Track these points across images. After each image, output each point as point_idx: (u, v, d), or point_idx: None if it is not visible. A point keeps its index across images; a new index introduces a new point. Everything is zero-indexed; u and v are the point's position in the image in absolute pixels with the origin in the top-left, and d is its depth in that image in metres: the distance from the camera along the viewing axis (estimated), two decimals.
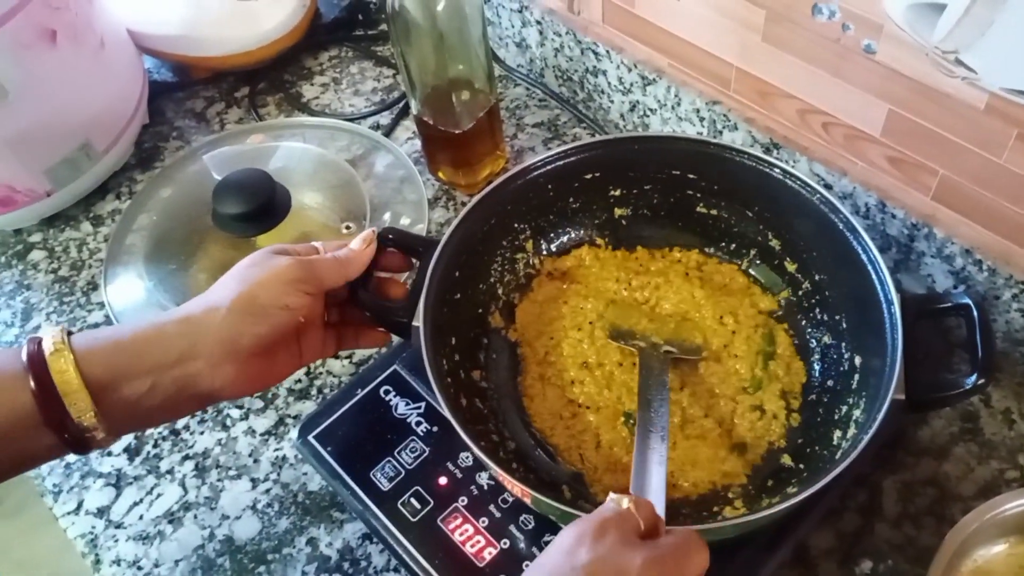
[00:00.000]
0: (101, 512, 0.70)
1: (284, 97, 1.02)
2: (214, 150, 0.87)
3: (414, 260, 0.67)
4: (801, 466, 0.62)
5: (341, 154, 0.89)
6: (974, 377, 0.54)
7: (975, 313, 0.56)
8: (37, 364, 0.50)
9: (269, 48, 1.00)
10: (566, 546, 0.45)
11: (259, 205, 0.76)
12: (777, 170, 0.66)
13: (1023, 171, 0.59)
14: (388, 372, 0.70)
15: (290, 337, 0.59)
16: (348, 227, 0.81)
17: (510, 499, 0.62)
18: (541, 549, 0.60)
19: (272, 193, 0.77)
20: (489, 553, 0.60)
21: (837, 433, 0.61)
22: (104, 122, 0.90)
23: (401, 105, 0.98)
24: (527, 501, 0.57)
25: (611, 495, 0.48)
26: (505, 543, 0.61)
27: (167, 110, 1.02)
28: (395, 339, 0.76)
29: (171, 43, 0.98)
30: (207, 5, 0.96)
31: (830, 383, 0.65)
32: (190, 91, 1.04)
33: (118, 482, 0.72)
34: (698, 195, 0.72)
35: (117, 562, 0.68)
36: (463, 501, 0.63)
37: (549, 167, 0.70)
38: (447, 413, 0.56)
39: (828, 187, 0.72)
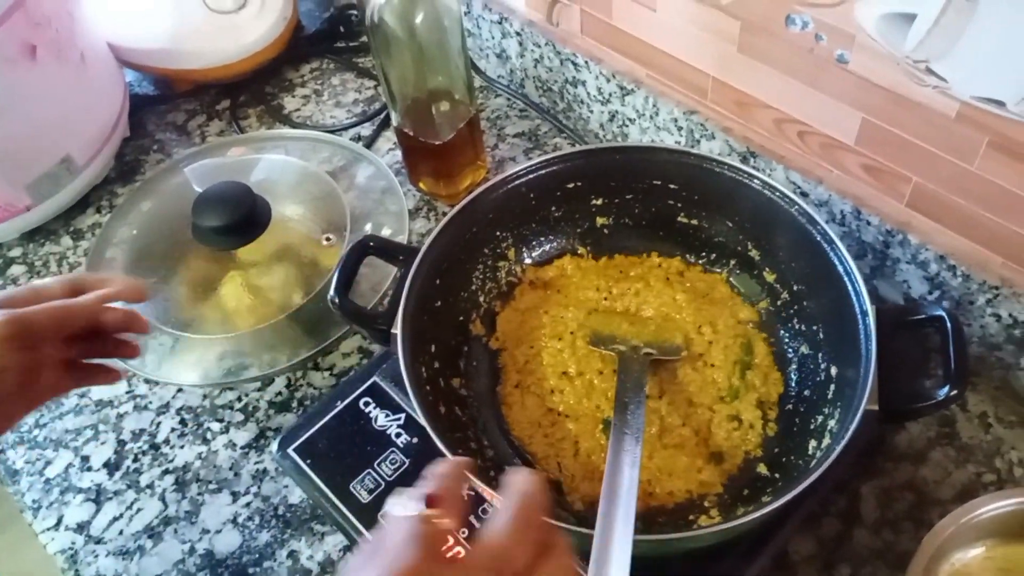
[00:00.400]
0: (81, 527, 0.70)
1: (265, 109, 1.02)
2: (195, 162, 0.87)
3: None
4: (776, 475, 0.62)
5: (322, 166, 0.89)
6: (946, 389, 0.54)
7: (948, 324, 0.56)
8: None
9: (250, 60, 1.00)
10: None
11: (239, 218, 0.76)
12: (756, 181, 0.66)
13: (995, 178, 0.60)
14: (368, 384, 0.70)
15: (14, 388, 0.56)
16: (328, 238, 0.81)
17: (491, 509, 0.62)
18: None
19: (252, 206, 0.77)
20: None
21: (812, 443, 0.62)
22: (85, 136, 0.90)
23: (382, 116, 0.98)
24: None
25: (391, 500, 0.42)
26: None
27: (148, 123, 1.02)
28: (376, 350, 0.77)
29: (152, 56, 0.99)
30: (188, 18, 0.96)
31: (806, 393, 0.66)
32: (171, 104, 1.04)
33: (98, 497, 0.72)
34: (679, 205, 0.73)
35: None
36: None
37: (531, 176, 0.70)
38: (423, 421, 0.56)
39: (804, 195, 0.72)
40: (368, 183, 0.88)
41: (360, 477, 0.65)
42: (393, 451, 0.66)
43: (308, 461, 0.66)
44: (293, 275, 0.79)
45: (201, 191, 0.78)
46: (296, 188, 0.86)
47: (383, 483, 0.64)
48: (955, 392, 0.53)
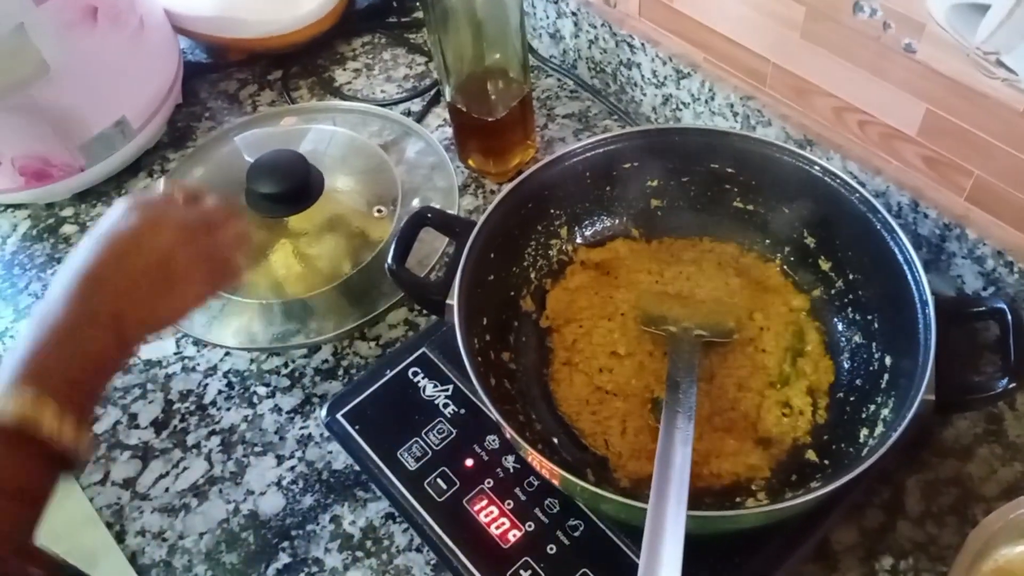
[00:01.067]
0: (127, 484, 0.71)
1: (317, 81, 1.02)
2: (246, 131, 0.87)
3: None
4: (826, 462, 0.62)
5: (373, 139, 0.89)
6: (1005, 380, 0.54)
7: (1009, 317, 0.56)
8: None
9: (303, 32, 1.01)
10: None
11: (293, 186, 0.77)
12: (817, 168, 0.66)
13: None
14: (417, 354, 0.70)
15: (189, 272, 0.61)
16: (380, 210, 0.82)
17: (536, 482, 0.63)
18: (566, 533, 0.61)
19: (307, 174, 0.78)
20: (514, 535, 0.61)
21: (864, 431, 0.62)
22: (139, 100, 0.91)
23: (432, 92, 0.98)
24: (555, 482, 0.58)
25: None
26: (530, 526, 0.61)
27: (200, 91, 1.03)
28: (421, 323, 0.78)
29: (207, 24, 0.99)
30: None
31: (858, 382, 0.66)
32: (224, 73, 1.05)
33: (144, 455, 0.73)
34: (735, 189, 0.72)
35: (142, 533, 0.68)
36: (489, 483, 0.63)
37: (588, 155, 0.70)
38: (479, 389, 0.57)
39: (862, 185, 0.72)
40: (418, 158, 0.88)
41: (408, 445, 0.65)
42: (440, 421, 0.67)
43: (356, 427, 0.67)
44: (343, 246, 0.79)
45: (254, 159, 0.79)
46: (347, 160, 0.86)
47: (430, 452, 0.65)
48: (1014, 385, 0.53)
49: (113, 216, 0.57)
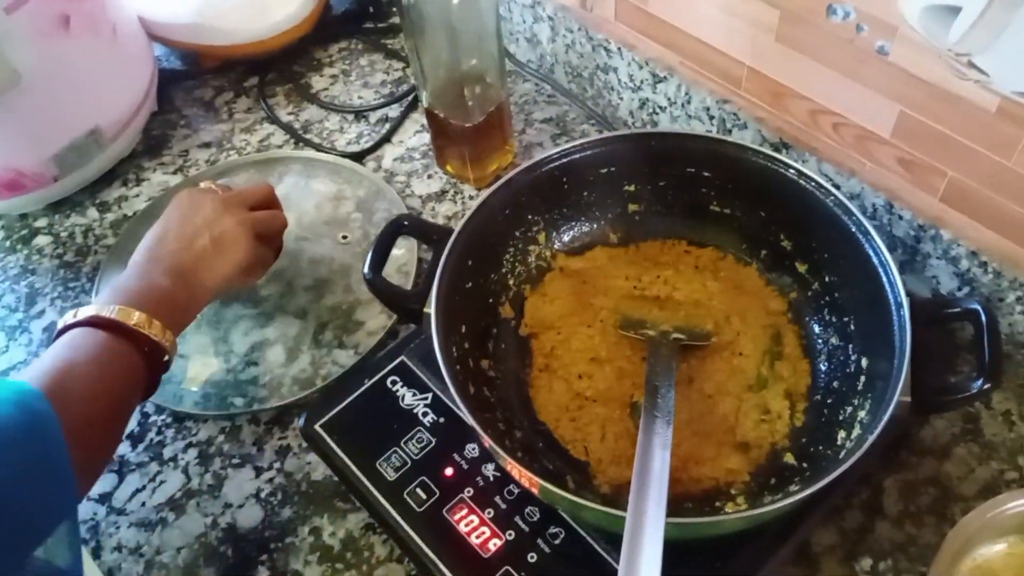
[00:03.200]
0: (103, 499, 0.70)
1: (293, 88, 1.02)
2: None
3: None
4: (804, 465, 0.63)
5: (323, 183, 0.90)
6: (980, 381, 0.54)
7: (983, 318, 0.56)
8: (134, 333, 0.60)
9: (279, 38, 1.00)
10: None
11: None
12: (792, 171, 0.66)
13: None
14: (395, 363, 0.70)
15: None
16: (344, 237, 0.84)
17: (516, 491, 0.63)
18: (546, 541, 0.60)
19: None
20: (494, 544, 0.60)
21: (841, 433, 0.62)
22: (113, 109, 0.90)
23: (410, 98, 0.98)
24: (534, 491, 0.57)
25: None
26: (511, 534, 0.61)
27: (176, 98, 1.03)
28: (401, 331, 0.77)
29: (182, 31, 0.99)
30: None
31: (835, 384, 0.66)
32: (199, 80, 1.04)
33: (120, 469, 0.72)
34: (712, 193, 0.73)
35: (118, 549, 0.68)
36: (469, 492, 0.63)
37: (565, 160, 0.70)
38: (457, 398, 0.56)
39: (836, 187, 0.72)
40: (368, 194, 0.88)
41: (386, 455, 0.65)
42: (419, 430, 0.66)
43: (335, 437, 0.66)
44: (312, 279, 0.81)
45: None
46: (303, 200, 0.87)
47: (409, 461, 0.65)
48: (989, 385, 0.53)
49: (173, 202, 0.72)
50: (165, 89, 1.01)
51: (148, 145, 0.97)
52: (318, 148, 0.94)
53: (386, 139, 0.94)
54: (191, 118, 1.00)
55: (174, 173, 0.94)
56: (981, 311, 0.56)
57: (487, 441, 0.56)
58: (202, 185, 0.76)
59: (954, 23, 0.58)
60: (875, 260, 0.61)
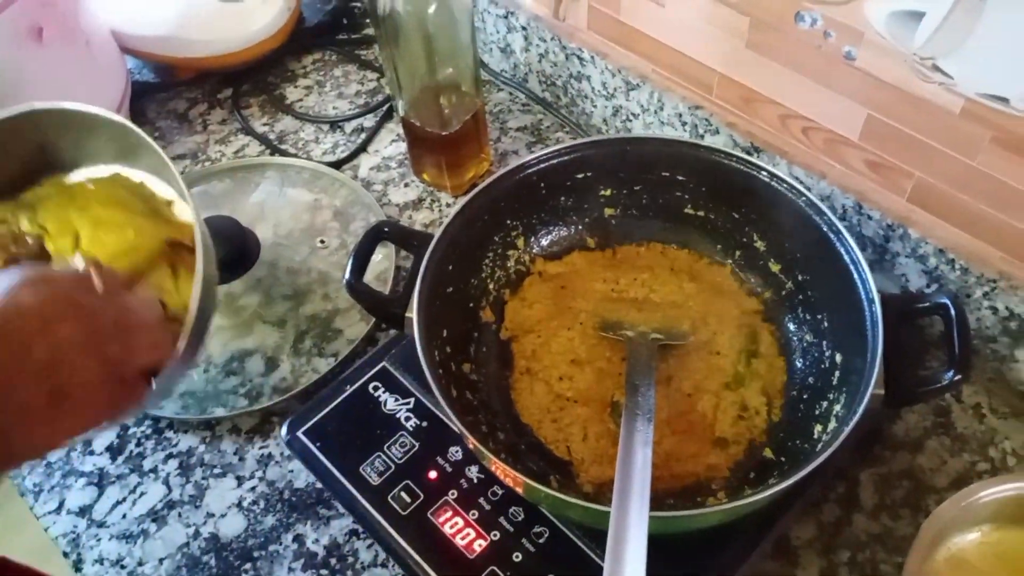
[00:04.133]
0: (83, 511, 0.70)
1: (268, 99, 1.02)
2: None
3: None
4: (783, 459, 0.64)
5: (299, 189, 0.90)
6: (951, 373, 0.56)
7: (953, 312, 0.58)
8: None
9: (253, 50, 1.00)
10: None
11: (228, 254, 0.78)
12: (764, 173, 0.68)
13: (997, 173, 0.62)
14: (377, 368, 0.70)
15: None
16: (322, 241, 0.84)
17: (500, 492, 0.63)
18: (531, 540, 0.61)
19: (243, 240, 0.80)
20: (479, 545, 0.61)
21: (817, 428, 0.63)
22: None
23: (385, 108, 0.98)
24: (519, 490, 0.58)
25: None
26: (495, 535, 0.61)
27: (149, 111, 1.02)
28: (381, 337, 0.78)
29: (155, 44, 0.98)
30: (192, 6, 0.96)
31: (811, 380, 0.67)
32: (172, 92, 1.04)
33: (100, 481, 0.71)
34: (686, 197, 0.74)
35: (100, 561, 0.67)
36: (453, 495, 0.63)
37: (542, 166, 0.71)
38: (441, 401, 0.57)
39: (807, 189, 0.74)
40: (344, 203, 0.88)
41: (370, 460, 0.65)
42: (403, 435, 0.67)
43: (318, 444, 0.66)
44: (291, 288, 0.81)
45: None
46: (281, 208, 0.87)
47: (393, 466, 0.65)
48: (959, 377, 0.55)
49: None
50: (138, 101, 1.01)
51: None
52: (295, 158, 0.94)
53: (362, 148, 0.95)
54: (165, 130, 1.00)
55: None
56: (950, 305, 0.58)
57: (472, 443, 0.56)
58: (78, 265, 0.50)
59: (919, 28, 0.60)
60: (846, 258, 0.62)
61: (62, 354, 0.43)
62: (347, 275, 0.64)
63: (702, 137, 0.81)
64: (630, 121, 0.88)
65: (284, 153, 0.95)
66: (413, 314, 0.61)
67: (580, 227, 0.77)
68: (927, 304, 0.60)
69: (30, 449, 0.45)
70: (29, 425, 0.43)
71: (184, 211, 0.65)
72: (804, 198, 0.65)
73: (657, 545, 0.50)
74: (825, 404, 0.63)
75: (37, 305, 0.43)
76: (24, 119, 0.62)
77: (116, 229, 0.61)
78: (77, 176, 0.66)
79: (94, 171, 0.66)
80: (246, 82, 1.03)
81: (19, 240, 0.62)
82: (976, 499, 0.58)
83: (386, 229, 0.66)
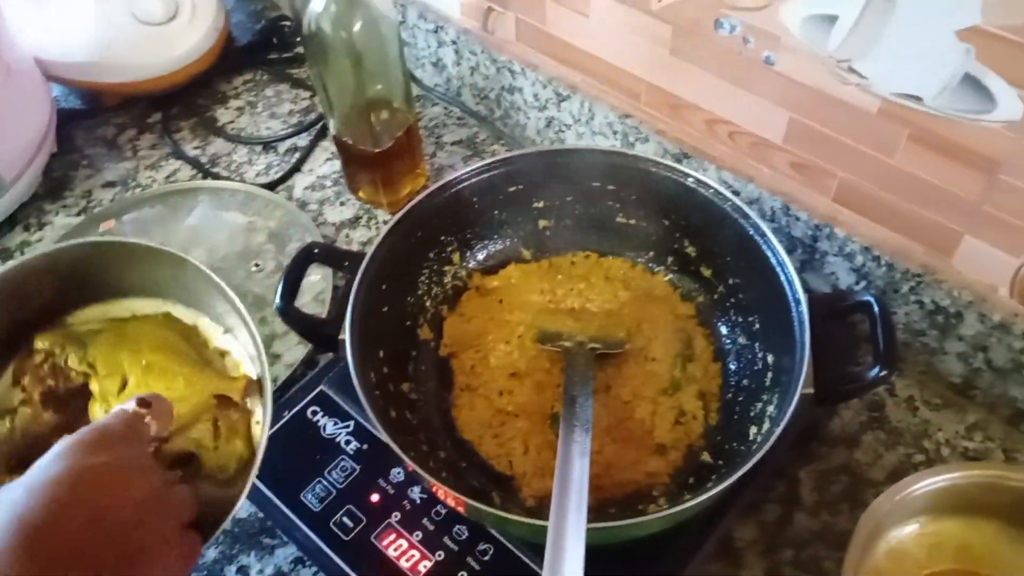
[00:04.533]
0: None
1: (199, 121, 1.01)
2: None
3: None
4: (720, 462, 0.64)
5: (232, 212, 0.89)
6: (876, 369, 0.57)
7: (876, 309, 0.59)
8: None
9: (181, 73, 0.99)
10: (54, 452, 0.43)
11: None
12: (690, 179, 0.68)
13: (915, 170, 0.63)
14: (314, 393, 0.69)
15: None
16: (257, 264, 0.83)
17: (443, 511, 0.63)
18: (476, 558, 0.61)
19: None
20: (424, 566, 0.60)
21: (753, 429, 0.64)
22: (11, 152, 0.87)
23: (318, 127, 0.98)
24: (460, 509, 0.58)
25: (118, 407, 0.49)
26: (440, 555, 0.61)
27: (76, 138, 1.00)
28: (320, 361, 0.77)
29: (80, 70, 0.96)
30: (116, 31, 0.95)
31: (745, 382, 0.68)
32: (100, 118, 1.02)
33: None
34: (617, 205, 0.75)
35: None
36: (396, 516, 0.63)
37: (473, 180, 0.71)
38: (376, 423, 0.56)
39: (736, 193, 0.74)
40: (280, 224, 0.88)
41: (311, 486, 0.64)
42: (343, 458, 0.66)
43: (257, 473, 0.65)
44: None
45: None
46: (214, 232, 0.86)
47: (334, 491, 0.64)
48: (885, 373, 0.56)
49: (62, 464, 0.43)
50: (65, 129, 0.99)
51: (49, 187, 0.95)
52: (228, 180, 0.93)
53: (296, 168, 0.94)
54: (93, 157, 0.98)
55: (78, 215, 0.92)
56: (873, 302, 0.59)
57: (410, 465, 0.56)
58: (129, 409, 0.50)
59: (832, 31, 0.61)
60: (773, 260, 0.63)
61: (135, 516, 0.43)
62: (277, 299, 0.63)
63: (633, 145, 0.82)
64: (563, 132, 0.89)
65: (216, 176, 0.94)
66: (346, 336, 0.61)
67: (515, 240, 0.77)
68: (851, 302, 0.61)
69: None
70: None
71: (239, 363, 0.62)
72: (730, 203, 0.66)
73: (601, 552, 0.51)
74: (759, 405, 0.64)
75: (110, 473, 0.44)
76: (82, 248, 0.62)
77: (166, 377, 0.60)
78: (126, 308, 0.65)
79: (144, 305, 0.65)
80: (176, 105, 1.02)
81: (60, 373, 0.61)
82: (910, 492, 0.59)
83: (316, 251, 0.66)
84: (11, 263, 0.59)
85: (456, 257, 0.75)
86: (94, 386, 0.62)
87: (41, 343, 0.63)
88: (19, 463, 0.59)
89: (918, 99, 0.59)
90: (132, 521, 0.43)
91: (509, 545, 0.61)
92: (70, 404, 0.62)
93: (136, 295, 0.65)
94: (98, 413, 0.61)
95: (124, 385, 0.62)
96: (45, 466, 0.43)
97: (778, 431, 0.54)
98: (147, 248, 0.61)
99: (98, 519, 0.42)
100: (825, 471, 0.68)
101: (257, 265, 0.83)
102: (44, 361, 0.63)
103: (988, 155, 0.58)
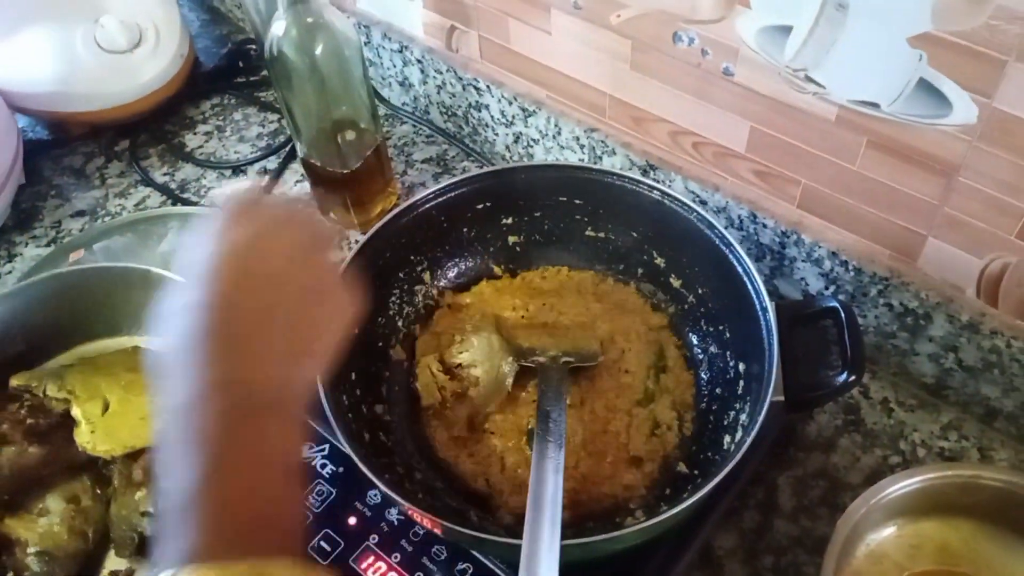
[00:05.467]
0: None
1: (167, 148, 1.00)
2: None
3: None
4: (696, 472, 0.65)
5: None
6: (845, 375, 0.57)
7: (842, 315, 0.60)
8: None
9: (148, 100, 0.99)
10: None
11: None
12: (656, 192, 0.69)
13: (875, 175, 0.64)
14: None
15: None
16: None
17: (421, 532, 0.63)
18: None
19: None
20: None
21: (727, 438, 0.64)
22: None
23: (288, 149, 0.98)
24: (437, 531, 0.58)
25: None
26: None
27: (44, 169, 0.99)
28: None
29: (45, 100, 0.96)
30: (80, 60, 0.94)
31: (718, 391, 0.68)
32: (67, 148, 1.02)
33: None
34: (585, 219, 0.75)
35: None
36: (374, 539, 0.63)
37: (440, 199, 0.71)
38: (347, 448, 0.56)
39: (703, 203, 0.75)
40: None
41: None
42: (319, 482, 0.66)
43: None
44: None
45: None
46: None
47: (310, 515, 0.64)
48: (853, 378, 0.56)
49: (216, 239, 0.44)
50: (32, 160, 0.98)
51: (18, 219, 0.94)
52: (198, 206, 0.93)
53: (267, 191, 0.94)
54: (62, 187, 0.97)
55: (47, 245, 0.91)
56: (839, 308, 0.59)
57: (383, 488, 0.56)
58: (235, 188, 0.50)
59: (787, 41, 0.62)
60: (739, 269, 0.64)
61: (292, 264, 0.45)
62: None
63: (600, 158, 0.82)
64: (531, 147, 0.89)
65: (187, 202, 0.93)
66: None
67: (485, 256, 0.77)
68: (818, 308, 0.61)
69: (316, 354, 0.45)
70: (304, 341, 0.45)
71: None
72: (696, 214, 0.67)
73: (581, 566, 0.51)
74: (732, 414, 0.65)
75: (260, 231, 0.46)
76: (46, 283, 0.67)
77: (146, 391, 0.61)
78: (92, 349, 0.69)
79: (111, 344, 0.68)
80: (143, 132, 1.01)
81: (39, 410, 0.63)
82: (886, 495, 0.59)
83: None
84: None
85: (427, 276, 0.75)
86: (76, 411, 0.63)
87: (16, 381, 0.64)
88: (12, 498, 0.62)
89: (875, 105, 0.60)
90: (287, 271, 0.45)
91: (489, 564, 0.61)
92: (54, 436, 0.63)
93: (101, 336, 0.66)
94: (85, 437, 0.63)
95: (107, 407, 0.63)
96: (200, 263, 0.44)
97: (749, 440, 0.54)
98: (121, 270, 0.61)
99: (262, 287, 0.44)
100: (802, 476, 0.68)
101: None
102: (21, 403, 0.64)
103: (946, 159, 0.59)
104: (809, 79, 0.63)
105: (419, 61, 0.93)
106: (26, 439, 0.62)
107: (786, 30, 0.61)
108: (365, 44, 0.97)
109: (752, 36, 0.63)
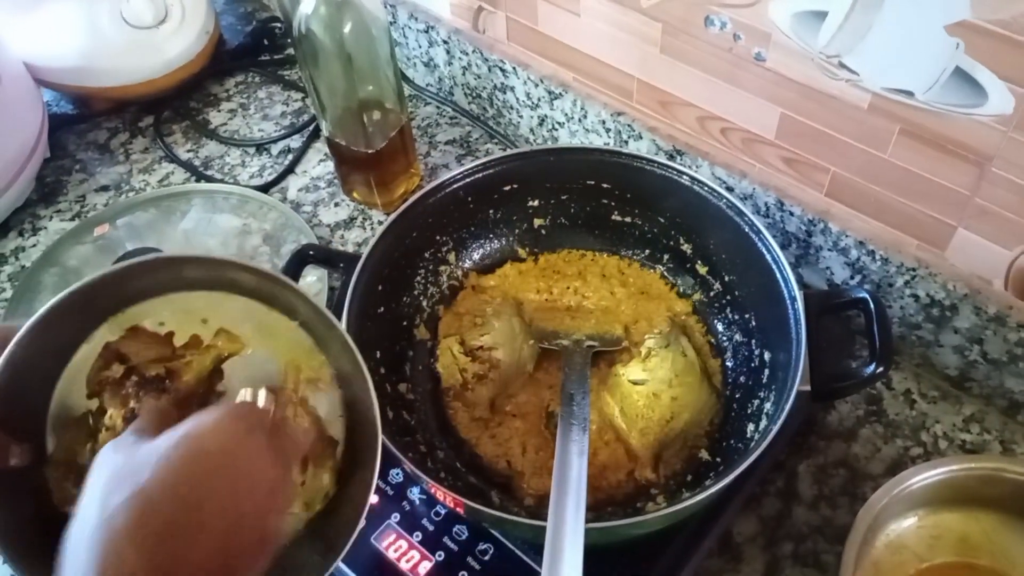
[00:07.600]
0: None
1: (191, 125, 1.00)
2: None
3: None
4: (718, 459, 0.65)
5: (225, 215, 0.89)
6: (873, 366, 0.57)
7: (872, 306, 0.59)
8: None
9: (172, 76, 0.99)
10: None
11: None
12: (685, 177, 0.68)
13: (907, 164, 0.63)
14: None
15: None
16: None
17: (443, 511, 0.63)
18: (476, 558, 0.61)
19: None
20: (424, 567, 0.61)
21: (751, 426, 0.64)
22: (3, 158, 0.87)
23: (311, 128, 0.98)
24: (459, 510, 0.58)
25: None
26: (440, 555, 0.61)
27: (69, 143, 1.00)
28: None
29: (71, 75, 0.96)
30: (106, 35, 0.94)
31: (742, 379, 0.68)
32: (92, 123, 1.02)
33: None
34: (612, 204, 0.75)
35: None
36: (395, 517, 0.63)
37: (468, 180, 0.71)
38: None
39: (730, 189, 0.75)
40: (274, 226, 0.87)
41: None
42: None
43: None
44: None
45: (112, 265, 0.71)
46: (208, 236, 0.86)
47: None
48: (881, 369, 0.56)
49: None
50: (57, 134, 0.99)
51: (43, 192, 0.95)
52: (221, 183, 0.93)
53: (290, 170, 0.94)
54: (86, 162, 0.98)
55: (72, 219, 0.91)
56: (869, 299, 0.59)
57: (408, 466, 0.56)
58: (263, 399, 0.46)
59: (822, 27, 0.61)
60: (768, 257, 0.63)
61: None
62: None
63: (626, 142, 0.82)
64: (556, 130, 0.89)
65: (210, 179, 0.94)
66: None
67: (511, 239, 0.77)
68: (847, 299, 0.61)
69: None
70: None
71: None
72: (725, 200, 0.66)
73: (603, 553, 0.51)
74: (756, 403, 0.64)
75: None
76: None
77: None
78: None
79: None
80: (167, 108, 1.01)
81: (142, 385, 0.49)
82: (909, 485, 0.59)
83: (311, 252, 0.66)
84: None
85: (452, 257, 0.75)
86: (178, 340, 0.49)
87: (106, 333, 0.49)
88: None
89: (909, 93, 0.60)
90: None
91: (509, 545, 0.61)
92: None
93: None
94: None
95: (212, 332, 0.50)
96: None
97: (775, 429, 0.54)
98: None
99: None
100: (823, 465, 0.68)
101: None
102: (124, 373, 0.49)
103: (979, 149, 0.59)
104: (843, 66, 0.62)
105: (445, 42, 0.92)
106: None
107: (821, 15, 0.61)
108: (391, 24, 0.96)
109: (786, 21, 0.63)
